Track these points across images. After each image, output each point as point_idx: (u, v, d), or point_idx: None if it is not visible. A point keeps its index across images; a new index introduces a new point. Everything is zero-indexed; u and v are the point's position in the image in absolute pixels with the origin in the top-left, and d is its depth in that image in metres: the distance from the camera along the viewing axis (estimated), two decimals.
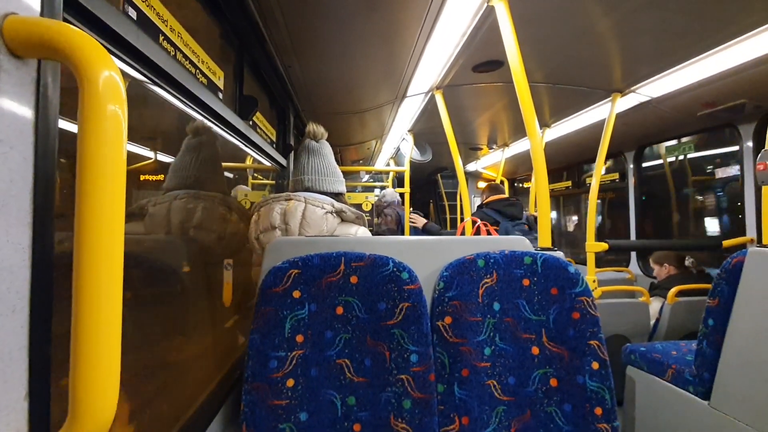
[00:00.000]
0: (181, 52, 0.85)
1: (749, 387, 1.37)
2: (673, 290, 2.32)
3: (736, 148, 2.65)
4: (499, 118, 3.10)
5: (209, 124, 1.11)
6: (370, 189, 4.98)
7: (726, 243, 2.41)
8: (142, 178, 1.03)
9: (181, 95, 0.83)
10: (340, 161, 4.86)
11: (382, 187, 4.55)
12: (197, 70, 0.95)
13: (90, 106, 0.36)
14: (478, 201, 5.72)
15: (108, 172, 0.37)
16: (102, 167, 0.37)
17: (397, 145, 3.96)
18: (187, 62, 0.89)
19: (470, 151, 4.39)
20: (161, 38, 0.75)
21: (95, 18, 0.52)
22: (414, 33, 1.59)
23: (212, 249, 1.24)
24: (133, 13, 0.66)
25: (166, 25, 0.77)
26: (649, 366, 1.81)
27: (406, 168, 3.68)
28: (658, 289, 2.77)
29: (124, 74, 0.66)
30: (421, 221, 3.52)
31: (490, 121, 3.24)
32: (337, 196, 1.46)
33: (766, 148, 1.46)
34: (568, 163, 4.56)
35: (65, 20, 0.47)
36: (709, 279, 2.67)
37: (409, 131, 3.36)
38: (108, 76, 0.37)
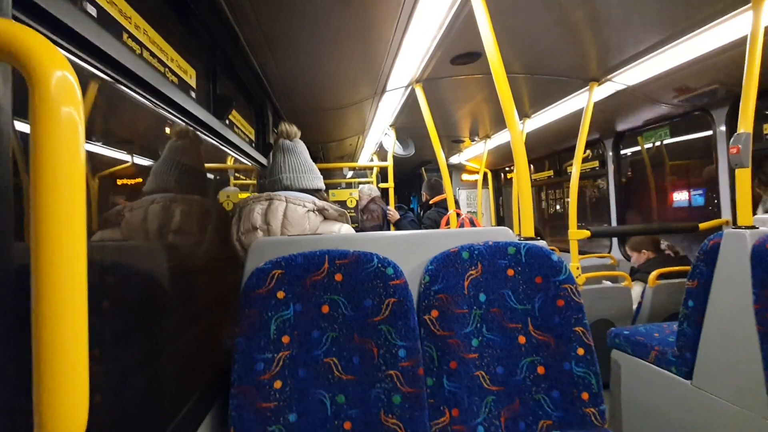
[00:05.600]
0: (148, 50, 0.82)
1: (729, 365, 1.41)
2: (654, 273, 2.38)
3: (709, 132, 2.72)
4: (480, 109, 3.11)
5: (182, 123, 1.08)
6: (355, 185, 4.94)
7: (702, 225, 2.47)
8: (119, 182, 1.00)
9: (149, 95, 0.80)
10: (322, 158, 4.81)
11: (367, 183, 4.52)
12: (166, 69, 0.92)
13: (42, 109, 0.34)
14: (462, 194, 5.76)
15: (65, 178, 0.35)
16: (58, 173, 0.35)
17: (379, 140, 3.94)
18: (155, 60, 0.85)
19: (453, 143, 4.40)
20: (125, 36, 0.72)
21: (49, 16, 0.49)
22: (390, 26, 1.58)
23: (192, 252, 1.21)
24: (92, 10, 0.62)
25: (130, 22, 0.74)
26: (633, 348, 1.84)
27: (389, 163, 3.66)
28: (638, 274, 2.84)
29: (86, 74, 0.63)
30: (395, 217, 3.53)
31: (472, 113, 3.25)
32: (316, 192, 1.44)
33: (738, 131, 1.49)
34: (550, 152, 4.61)
35: (15, 18, 0.44)
36: (686, 260, 2.75)
37: (390, 126, 3.34)
38: (61, 76, 0.35)
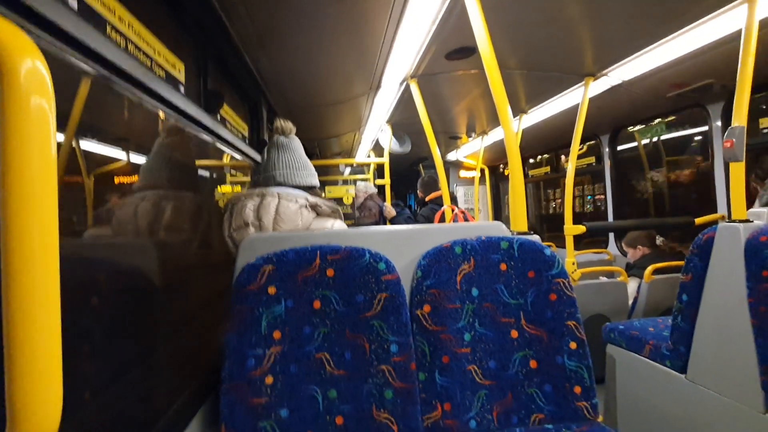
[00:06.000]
0: (133, 43, 0.81)
1: (723, 358, 1.42)
2: (650, 269, 2.38)
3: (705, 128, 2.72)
4: (477, 105, 3.10)
5: (170, 119, 1.07)
6: (351, 182, 4.94)
7: (698, 220, 2.47)
8: (106, 180, 1.00)
9: (135, 89, 0.79)
10: (319, 155, 4.80)
11: (363, 180, 4.52)
12: (153, 62, 0.91)
13: (10, 99, 0.34)
14: (460, 190, 5.76)
15: (35, 172, 0.34)
16: (28, 166, 0.34)
17: (375, 136, 3.93)
18: (141, 54, 0.84)
19: (450, 140, 4.39)
20: (109, 29, 0.71)
21: (24, 6, 0.48)
22: (383, 20, 1.57)
23: (183, 249, 1.21)
24: (73, 3, 0.62)
25: (114, 15, 0.73)
26: (627, 343, 1.85)
27: (385, 159, 3.66)
28: (634, 269, 2.85)
29: (66, 67, 0.62)
30: (391, 213, 3.53)
31: (468, 109, 3.24)
32: (310, 189, 1.43)
33: (732, 125, 1.49)
34: (547, 148, 4.61)
35: None
36: (682, 256, 2.75)
37: (386, 122, 3.33)
38: (31, 66, 0.34)
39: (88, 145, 0.79)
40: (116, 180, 0.96)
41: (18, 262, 0.34)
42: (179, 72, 1.07)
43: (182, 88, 1.09)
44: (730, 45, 1.79)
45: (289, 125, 1.48)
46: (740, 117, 1.48)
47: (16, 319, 0.34)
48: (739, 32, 1.54)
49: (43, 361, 0.35)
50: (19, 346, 0.34)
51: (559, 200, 5.26)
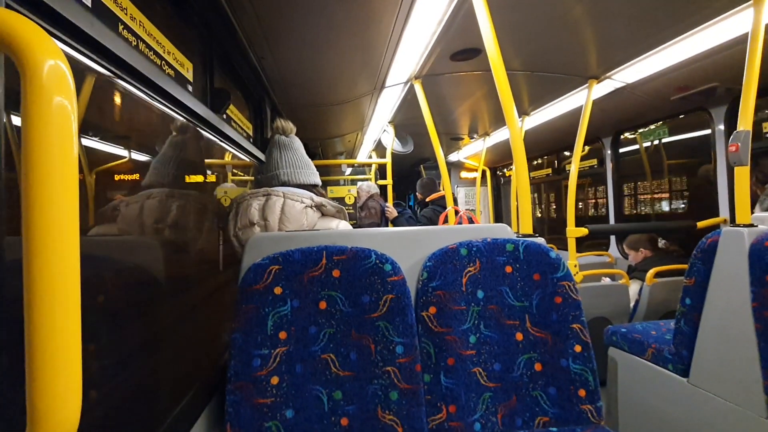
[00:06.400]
0: (144, 42, 0.80)
1: (725, 363, 1.41)
2: (651, 272, 2.38)
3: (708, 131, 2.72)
4: (479, 106, 3.10)
5: (179, 118, 1.07)
6: (348, 182, 4.93)
7: (700, 224, 2.47)
8: (114, 177, 0.99)
9: (146, 88, 0.79)
10: (321, 155, 4.79)
11: (365, 180, 4.52)
12: (163, 62, 0.91)
13: (34, 98, 0.34)
14: (461, 192, 5.76)
15: (57, 171, 0.34)
16: (50, 164, 0.34)
17: (377, 137, 3.93)
18: (152, 53, 0.84)
19: (452, 141, 4.39)
20: (121, 27, 0.71)
21: (42, 4, 0.48)
22: (390, 21, 1.57)
23: (189, 248, 1.21)
24: (87, 0, 0.61)
25: (126, 14, 0.73)
26: (630, 346, 1.85)
27: (388, 160, 3.66)
28: (636, 272, 2.84)
29: (80, 66, 0.62)
30: (393, 214, 3.53)
31: (471, 110, 3.24)
32: (313, 188, 1.44)
33: (738, 129, 1.49)
34: (548, 150, 4.61)
35: (8, 7, 0.43)
36: (684, 259, 2.75)
37: (389, 122, 3.33)
38: (53, 65, 0.34)
39: (102, 144, 0.78)
40: (122, 178, 0.96)
41: (40, 263, 0.34)
42: (187, 71, 1.07)
43: (190, 87, 1.09)
44: (735, 49, 1.79)
45: (289, 125, 1.49)
46: (746, 121, 1.48)
47: (37, 318, 0.34)
48: (744, 36, 1.54)
49: (63, 362, 0.35)
50: (39, 345, 0.34)
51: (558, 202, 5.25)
